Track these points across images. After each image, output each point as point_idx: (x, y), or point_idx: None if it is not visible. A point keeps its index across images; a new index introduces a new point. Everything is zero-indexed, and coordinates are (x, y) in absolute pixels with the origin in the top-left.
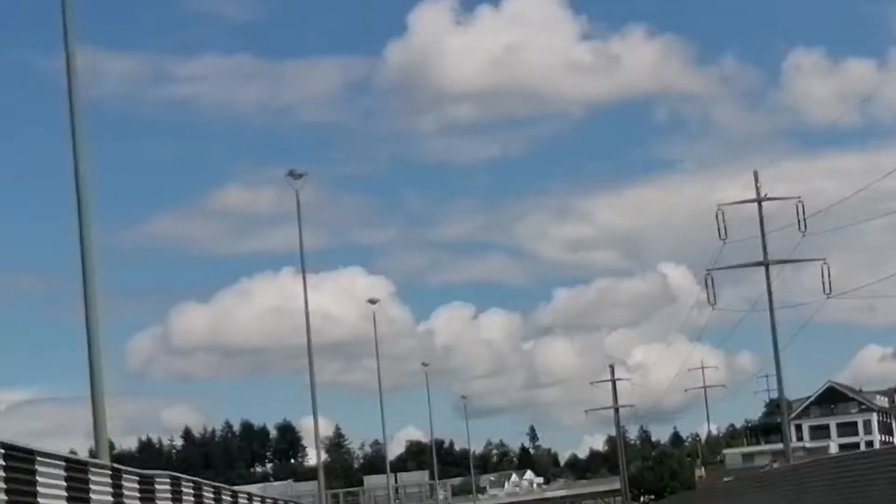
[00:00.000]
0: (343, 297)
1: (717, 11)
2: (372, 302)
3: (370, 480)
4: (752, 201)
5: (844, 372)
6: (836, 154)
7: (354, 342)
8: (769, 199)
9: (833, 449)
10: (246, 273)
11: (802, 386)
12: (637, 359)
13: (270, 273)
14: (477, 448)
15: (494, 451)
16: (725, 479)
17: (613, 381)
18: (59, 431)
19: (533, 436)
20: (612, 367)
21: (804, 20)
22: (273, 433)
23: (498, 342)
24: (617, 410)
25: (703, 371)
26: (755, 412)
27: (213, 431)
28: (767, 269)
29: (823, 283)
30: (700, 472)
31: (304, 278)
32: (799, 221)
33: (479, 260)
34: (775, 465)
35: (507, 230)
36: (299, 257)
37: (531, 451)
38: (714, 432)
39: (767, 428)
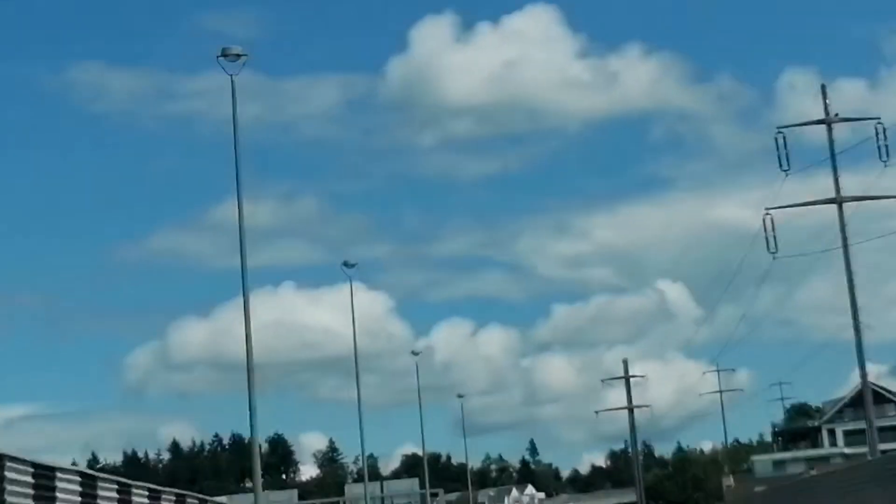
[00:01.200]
0: (342, 313)
1: (712, 30)
2: (347, 265)
3: (351, 489)
4: (819, 122)
5: (844, 388)
6: (829, 173)
7: (353, 358)
8: (841, 119)
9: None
10: None
11: (815, 394)
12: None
13: (270, 288)
14: (475, 464)
15: (493, 467)
16: (757, 488)
17: (627, 378)
18: (56, 447)
19: (533, 450)
20: (625, 363)
21: (797, 40)
22: (264, 447)
23: (497, 358)
24: (631, 411)
25: (718, 374)
26: (765, 424)
27: (202, 445)
28: (841, 208)
29: None
30: (729, 480)
31: (242, 225)
32: (879, 149)
33: (478, 276)
34: (812, 473)
35: (505, 247)
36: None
37: (532, 465)
38: (720, 447)
39: (794, 433)
